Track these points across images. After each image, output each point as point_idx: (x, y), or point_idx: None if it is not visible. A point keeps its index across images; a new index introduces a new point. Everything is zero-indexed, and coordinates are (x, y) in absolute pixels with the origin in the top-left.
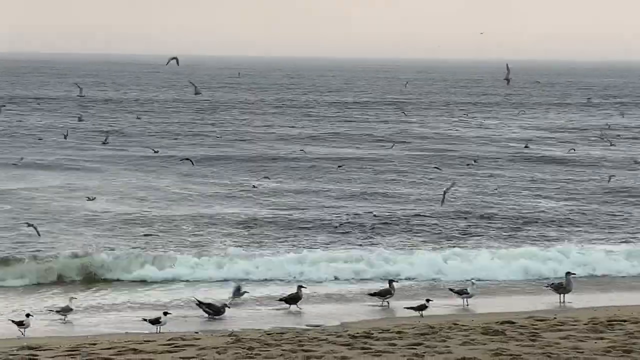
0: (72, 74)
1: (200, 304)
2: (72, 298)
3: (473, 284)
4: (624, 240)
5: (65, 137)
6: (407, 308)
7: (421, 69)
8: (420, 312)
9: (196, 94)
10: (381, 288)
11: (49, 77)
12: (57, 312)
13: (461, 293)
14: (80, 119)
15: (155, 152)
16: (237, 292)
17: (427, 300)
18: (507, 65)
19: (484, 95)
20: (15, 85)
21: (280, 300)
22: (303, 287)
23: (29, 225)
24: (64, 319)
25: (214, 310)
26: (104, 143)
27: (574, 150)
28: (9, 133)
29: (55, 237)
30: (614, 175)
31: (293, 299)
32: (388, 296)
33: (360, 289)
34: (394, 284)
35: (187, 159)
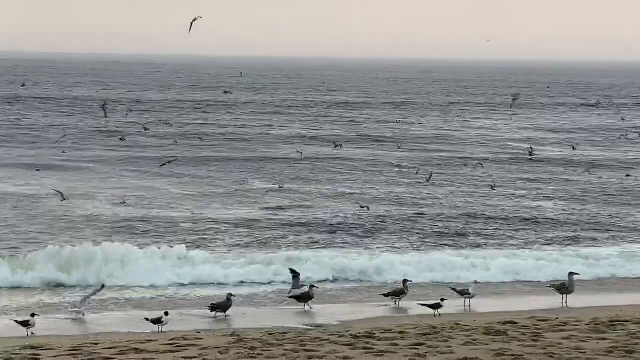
0: (74, 73)
1: (212, 308)
2: (87, 295)
3: (476, 282)
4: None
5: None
6: (422, 305)
7: (422, 69)
8: (435, 310)
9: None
10: (395, 288)
11: (49, 77)
12: (74, 308)
13: (463, 293)
14: (122, 139)
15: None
16: (297, 283)
17: (442, 300)
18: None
19: (482, 95)
20: (14, 84)
21: (292, 297)
22: (315, 286)
23: (57, 192)
24: (80, 315)
25: (224, 307)
26: (121, 139)
27: (574, 147)
28: (9, 133)
29: (54, 237)
30: (629, 175)
31: (304, 298)
32: (402, 296)
33: (362, 289)
34: (408, 283)
35: (168, 161)
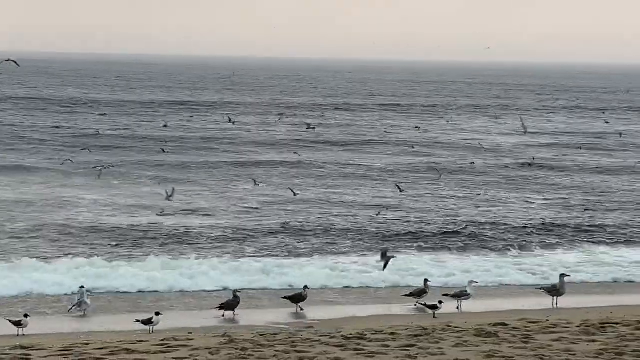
0: (73, 74)
1: (221, 307)
2: (89, 293)
3: (471, 282)
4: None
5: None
6: (421, 304)
7: (417, 71)
8: (433, 311)
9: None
10: (416, 288)
11: (50, 77)
12: (75, 305)
13: (461, 295)
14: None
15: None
16: (384, 257)
17: (440, 302)
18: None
19: (483, 98)
20: (15, 85)
21: (285, 297)
22: (308, 287)
23: (168, 196)
24: (83, 313)
25: (232, 306)
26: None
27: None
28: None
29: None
30: None
31: (297, 299)
32: (424, 295)
33: (354, 290)
34: (429, 283)
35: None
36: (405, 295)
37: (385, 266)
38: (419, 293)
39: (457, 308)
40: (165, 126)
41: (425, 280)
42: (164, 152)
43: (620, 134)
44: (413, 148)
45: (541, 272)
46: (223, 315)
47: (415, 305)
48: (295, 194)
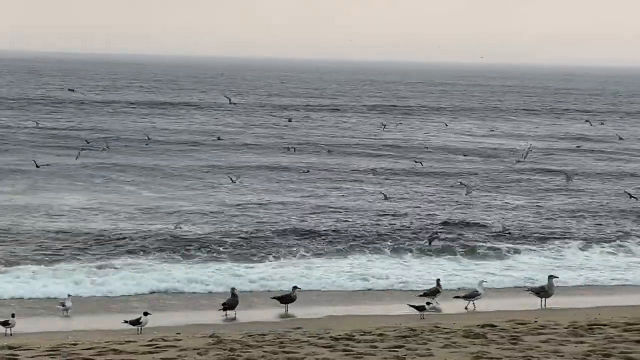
0: (75, 74)
1: (224, 307)
2: (69, 295)
3: (481, 282)
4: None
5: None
6: (410, 305)
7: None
8: (421, 312)
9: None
10: (430, 288)
11: (48, 77)
12: (61, 305)
13: (473, 296)
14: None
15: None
16: (432, 238)
17: (427, 304)
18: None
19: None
20: (13, 85)
21: (274, 298)
22: (298, 288)
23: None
24: (66, 313)
25: (232, 304)
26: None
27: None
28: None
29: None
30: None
31: (286, 299)
32: (437, 295)
33: (344, 292)
34: (442, 282)
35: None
36: (420, 296)
37: (430, 242)
38: (432, 293)
39: (466, 308)
40: (231, 102)
41: (438, 280)
42: (148, 139)
43: (619, 137)
44: (425, 150)
45: (523, 276)
46: (225, 315)
47: (428, 304)
48: (233, 181)
